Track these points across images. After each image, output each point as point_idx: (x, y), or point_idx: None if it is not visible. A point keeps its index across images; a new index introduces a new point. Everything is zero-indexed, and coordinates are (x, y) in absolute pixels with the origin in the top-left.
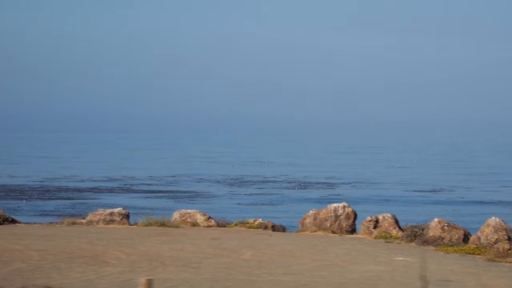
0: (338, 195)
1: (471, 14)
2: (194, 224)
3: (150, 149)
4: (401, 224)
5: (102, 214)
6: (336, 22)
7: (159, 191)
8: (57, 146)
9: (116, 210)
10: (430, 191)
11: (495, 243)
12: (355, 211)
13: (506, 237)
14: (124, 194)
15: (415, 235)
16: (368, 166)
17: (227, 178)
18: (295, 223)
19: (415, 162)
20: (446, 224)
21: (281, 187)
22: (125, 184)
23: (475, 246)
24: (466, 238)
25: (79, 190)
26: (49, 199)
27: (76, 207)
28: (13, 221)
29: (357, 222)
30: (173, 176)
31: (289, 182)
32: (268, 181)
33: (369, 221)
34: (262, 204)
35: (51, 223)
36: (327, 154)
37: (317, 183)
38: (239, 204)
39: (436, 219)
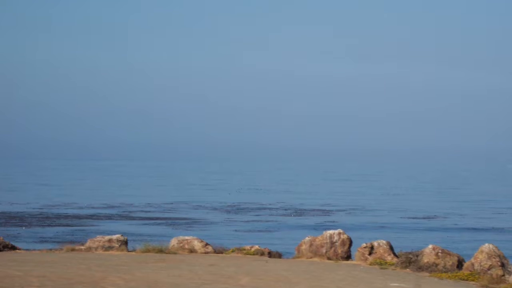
0: (334, 222)
1: (465, 44)
2: (192, 251)
3: (148, 176)
4: (396, 250)
5: (100, 240)
6: (335, 53)
7: (157, 218)
8: (56, 173)
9: (115, 236)
10: (424, 218)
11: (489, 270)
12: (350, 238)
13: (499, 263)
14: (122, 221)
15: (410, 261)
16: (363, 193)
17: (224, 205)
18: (291, 249)
19: (410, 189)
20: (440, 251)
21: (277, 214)
22: (124, 211)
23: (469, 272)
24: (460, 264)
25: (78, 217)
26: (49, 226)
27: (75, 234)
28: (13, 248)
29: (352, 248)
30: (171, 203)
31: (285, 209)
32: (265, 208)
33: (364, 247)
34: (259, 230)
35: (51, 249)
36: (322, 181)
37: (313, 210)
38: (236, 230)
39: (430, 246)
